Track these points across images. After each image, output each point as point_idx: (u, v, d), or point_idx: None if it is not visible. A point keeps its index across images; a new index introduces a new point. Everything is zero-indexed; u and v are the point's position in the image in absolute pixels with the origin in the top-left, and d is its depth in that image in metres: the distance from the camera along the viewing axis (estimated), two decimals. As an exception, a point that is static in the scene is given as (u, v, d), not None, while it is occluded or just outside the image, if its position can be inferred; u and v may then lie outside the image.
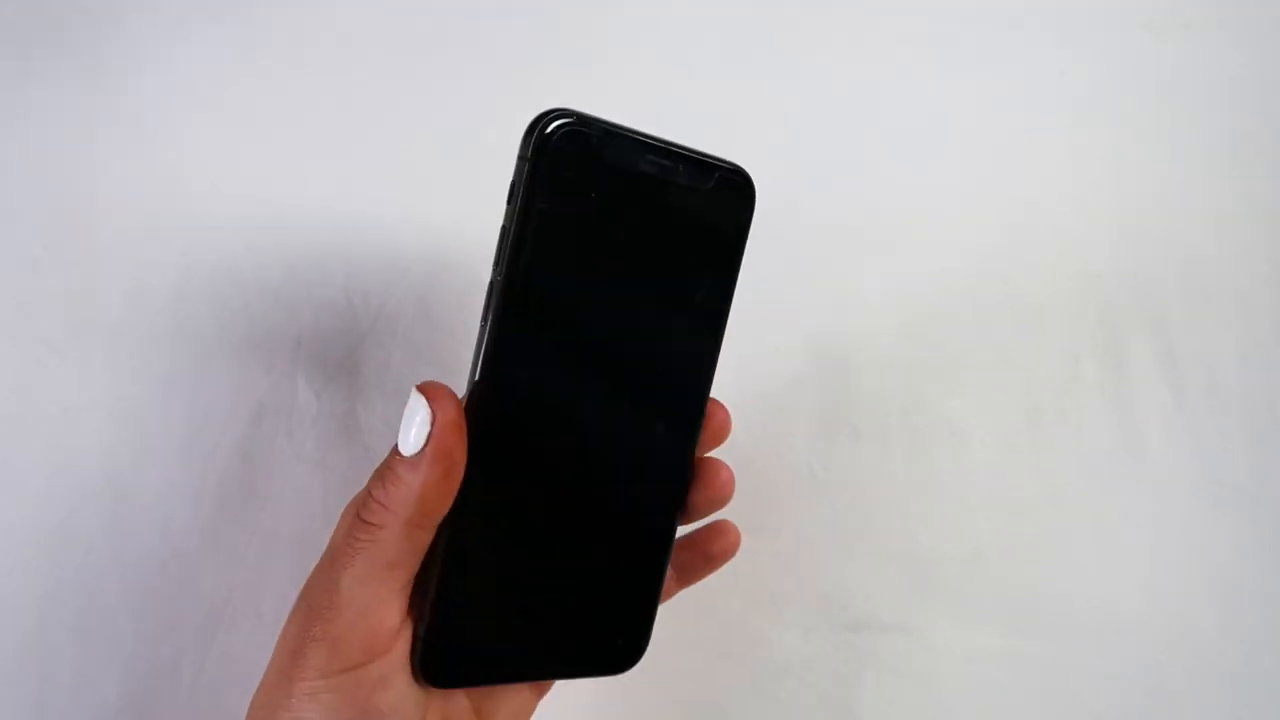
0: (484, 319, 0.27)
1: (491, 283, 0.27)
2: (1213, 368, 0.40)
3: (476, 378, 0.27)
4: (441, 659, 0.28)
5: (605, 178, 0.27)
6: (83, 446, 0.38)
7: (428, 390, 0.26)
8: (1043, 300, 0.40)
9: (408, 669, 0.27)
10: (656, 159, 0.28)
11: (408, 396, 0.26)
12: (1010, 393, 0.40)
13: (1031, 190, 0.40)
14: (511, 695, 0.31)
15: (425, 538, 0.26)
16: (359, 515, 0.26)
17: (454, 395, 0.26)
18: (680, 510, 0.31)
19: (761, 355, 0.39)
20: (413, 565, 0.26)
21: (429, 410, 0.25)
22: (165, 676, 0.38)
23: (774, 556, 0.39)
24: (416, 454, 0.25)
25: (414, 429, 0.25)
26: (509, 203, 0.27)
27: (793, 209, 0.39)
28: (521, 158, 0.26)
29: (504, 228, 0.27)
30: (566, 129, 0.26)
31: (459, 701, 0.30)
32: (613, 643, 0.31)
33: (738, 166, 0.30)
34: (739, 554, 0.39)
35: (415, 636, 0.28)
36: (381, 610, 0.26)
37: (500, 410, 0.27)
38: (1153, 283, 0.40)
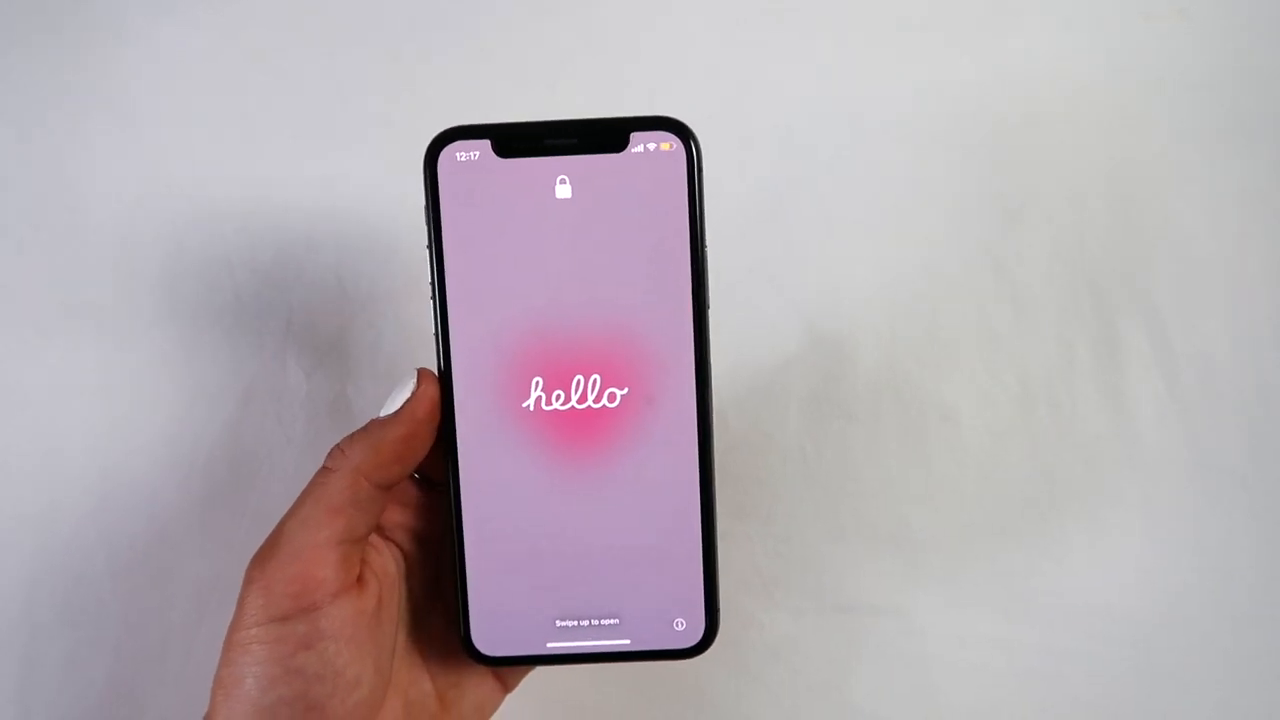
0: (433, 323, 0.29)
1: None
2: (1207, 356, 0.40)
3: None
4: (482, 629, 0.29)
5: (510, 175, 0.28)
6: (71, 428, 0.38)
7: (421, 371, 0.28)
8: (1037, 287, 0.40)
9: (353, 643, 0.27)
10: (555, 139, 0.28)
11: (399, 378, 0.29)
12: (1004, 379, 0.39)
13: (1027, 177, 0.40)
14: (477, 685, 0.31)
15: (370, 493, 0.28)
16: (322, 466, 0.28)
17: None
18: (711, 475, 0.29)
19: (755, 337, 0.39)
20: (353, 517, 0.27)
21: (414, 383, 0.28)
22: (153, 658, 0.37)
23: (765, 539, 0.39)
24: (390, 413, 0.28)
25: (396, 395, 0.28)
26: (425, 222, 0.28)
27: (788, 192, 0.39)
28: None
29: (427, 245, 0.28)
30: (449, 141, 0.28)
31: (423, 687, 0.30)
32: (672, 621, 0.30)
33: (663, 117, 0.28)
34: (731, 538, 0.39)
35: (458, 613, 0.29)
36: (315, 555, 0.27)
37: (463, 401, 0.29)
38: (1148, 271, 0.40)
